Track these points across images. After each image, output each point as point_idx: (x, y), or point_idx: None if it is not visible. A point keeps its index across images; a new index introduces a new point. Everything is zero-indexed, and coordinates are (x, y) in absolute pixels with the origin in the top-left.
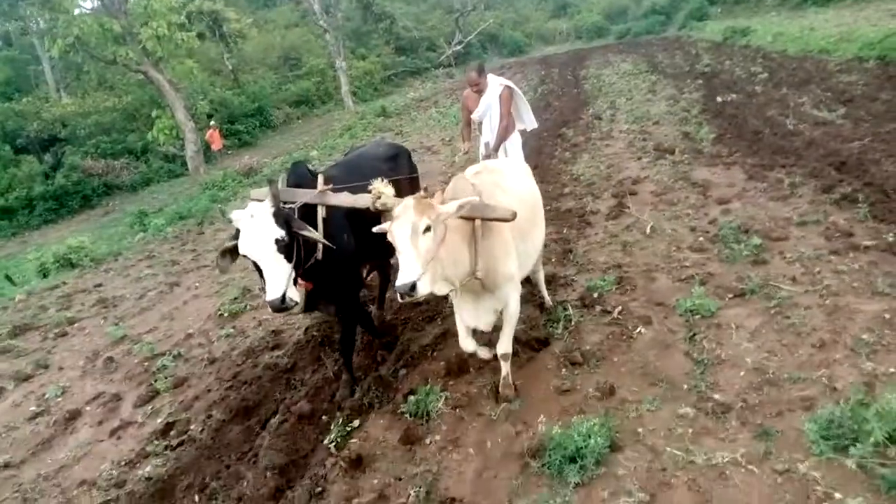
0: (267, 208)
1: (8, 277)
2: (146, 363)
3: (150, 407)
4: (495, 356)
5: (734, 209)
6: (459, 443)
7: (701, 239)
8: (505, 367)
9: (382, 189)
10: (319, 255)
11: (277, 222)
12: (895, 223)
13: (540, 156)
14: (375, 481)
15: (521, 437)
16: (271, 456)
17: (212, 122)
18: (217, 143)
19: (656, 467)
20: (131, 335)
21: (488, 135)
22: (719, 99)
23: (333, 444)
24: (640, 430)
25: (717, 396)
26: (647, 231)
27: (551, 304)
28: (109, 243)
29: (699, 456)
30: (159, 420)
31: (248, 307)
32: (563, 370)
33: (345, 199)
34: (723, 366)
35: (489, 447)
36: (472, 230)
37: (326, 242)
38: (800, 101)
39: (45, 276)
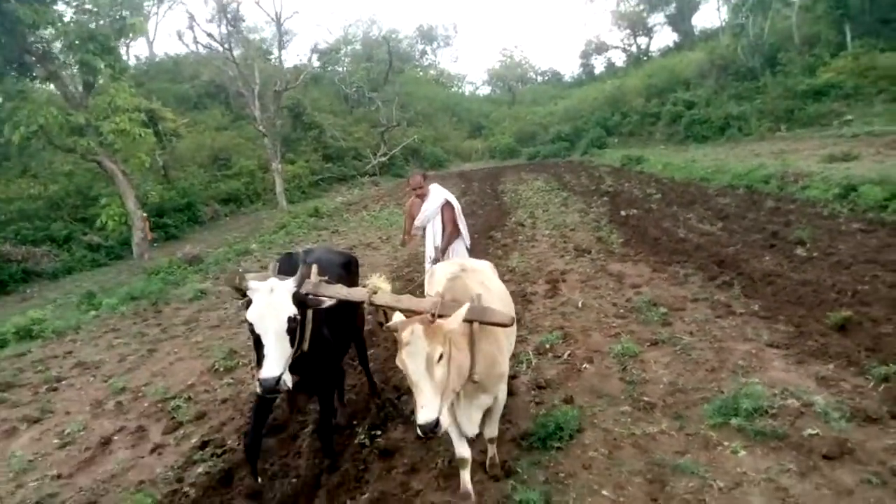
0: (289, 285)
1: None
2: (159, 404)
3: (179, 433)
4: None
5: (644, 291)
6: None
7: (622, 310)
8: (492, 449)
9: (381, 284)
10: (306, 346)
11: (294, 301)
12: (758, 299)
13: (474, 253)
14: (405, 460)
15: (511, 430)
16: (313, 446)
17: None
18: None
19: (610, 438)
20: (129, 388)
21: (431, 241)
22: (623, 212)
23: (364, 439)
24: (594, 420)
25: (645, 398)
26: (580, 305)
27: None
28: (62, 320)
29: (637, 430)
30: (193, 441)
31: (240, 363)
32: (532, 391)
33: (340, 291)
34: (647, 384)
35: None
36: (470, 333)
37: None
38: (687, 216)
39: (2, 346)
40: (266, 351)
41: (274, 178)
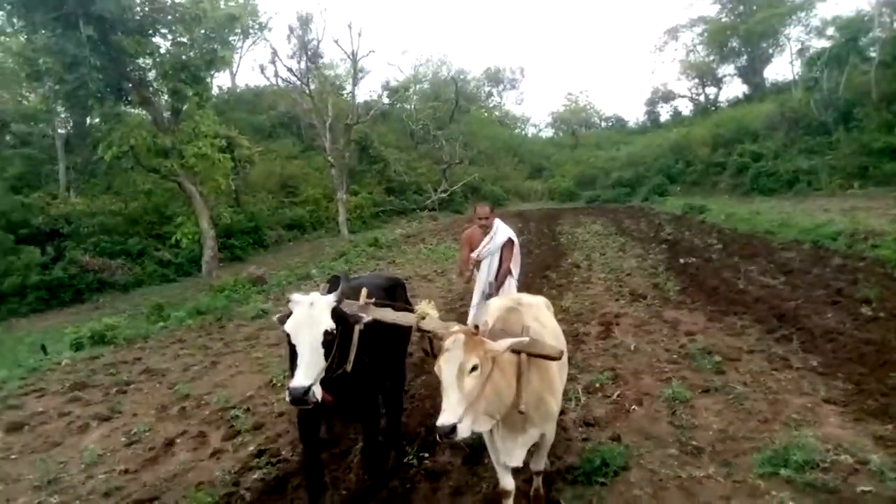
0: (329, 300)
1: (43, 347)
2: (220, 413)
3: (237, 440)
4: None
5: (698, 339)
6: None
7: (674, 356)
8: (537, 481)
9: (428, 310)
10: (349, 367)
11: (333, 316)
12: (817, 355)
13: (529, 290)
14: (451, 482)
15: (556, 463)
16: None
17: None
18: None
19: (655, 478)
20: (192, 395)
21: (485, 275)
22: (682, 260)
23: (413, 460)
24: (640, 461)
25: (693, 443)
26: (632, 348)
27: None
28: (133, 329)
29: (683, 472)
30: (250, 449)
31: None
32: (580, 428)
33: (388, 315)
34: (696, 429)
35: None
36: (517, 363)
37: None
38: (749, 268)
39: (78, 349)
40: (299, 361)
41: (338, 207)
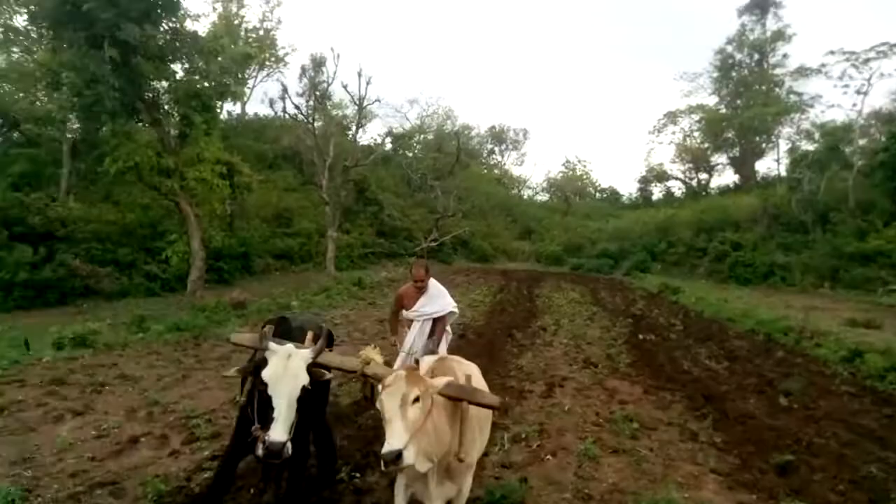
0: (306, 355)
1: (26, 343)
2: (183, 420)
3: (195, 445)
4: None
5: (628, 408)
6: None
7: (601, 420)
8: None
9: (373, 356)
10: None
11: (308, 371)
12: (724, 433)
13: (492, 347)
14: (374, 499)
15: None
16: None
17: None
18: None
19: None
20: (161, 402)
21: (414, 335)
22: (641, 336)
23: (344, 476)
24: (538, 499)
25: (587, 491)
26: (566, 409)
27: None
28: (113, 336)
29: None
30: (206, 453)
31: None
32: (496, 469)
33: (333, 359)
34: (594, 480)
35: None
36: (456, 411)
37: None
38: (699, 350)
39: (59, 348)
40: (276, 414)
41: (328, 243)
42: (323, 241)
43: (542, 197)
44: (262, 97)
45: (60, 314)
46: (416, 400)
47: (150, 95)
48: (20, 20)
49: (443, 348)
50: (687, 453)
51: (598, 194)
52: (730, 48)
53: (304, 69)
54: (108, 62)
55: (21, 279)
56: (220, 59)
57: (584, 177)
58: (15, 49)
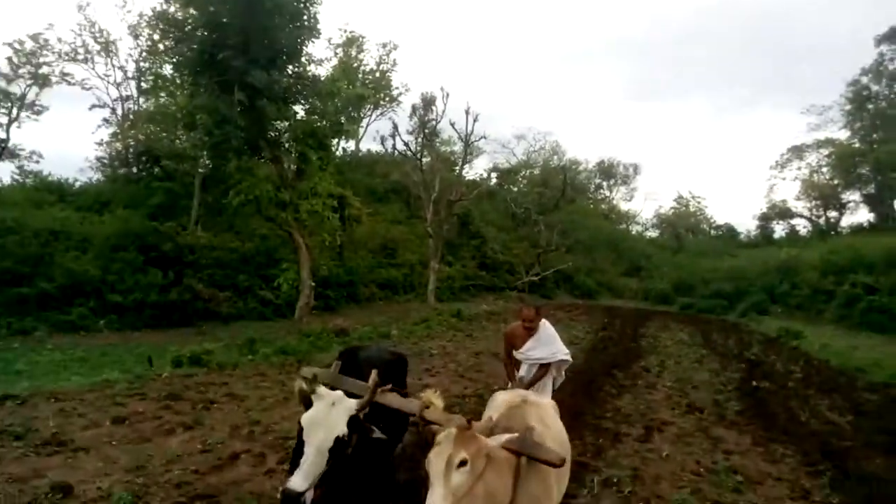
0: (350, 406)
1: (149, 359)
2: (281, 440)
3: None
4: None
5: (733, 459)
6: None
7: (701, 469)
8: None
9: (434, 399)
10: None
11: (349, 422)
12: (843, 493)
13: (591, 386)
14: None
15: None
16: None
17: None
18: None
19: None
20: (262, 422)
21: (523, 375)
22: (754, 383)
23: None
24: None
25: None
26: (664, 455)
27: None
28: (225, 357)
29: None
30: None
31: None
32: None
33: (393, 400)
34: None
35: None
36: (516, 465)
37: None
38: (820, 401)
39: (177, 366)
40: (302, 461)
41: (430, 275)
42: (426, 273)
43: (652, 233)
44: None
45: (182, 334)
46: (464, 463)
47: (272, 134)
48: (168, 69)
49: (547, 386)
50: None
51: (712, 231)
52: (865, 79)
53: (414, 108)
54: (237, 104)
55: (151, 300)
56: (336, 100)
57: (698, 213)
58: (162, 94)
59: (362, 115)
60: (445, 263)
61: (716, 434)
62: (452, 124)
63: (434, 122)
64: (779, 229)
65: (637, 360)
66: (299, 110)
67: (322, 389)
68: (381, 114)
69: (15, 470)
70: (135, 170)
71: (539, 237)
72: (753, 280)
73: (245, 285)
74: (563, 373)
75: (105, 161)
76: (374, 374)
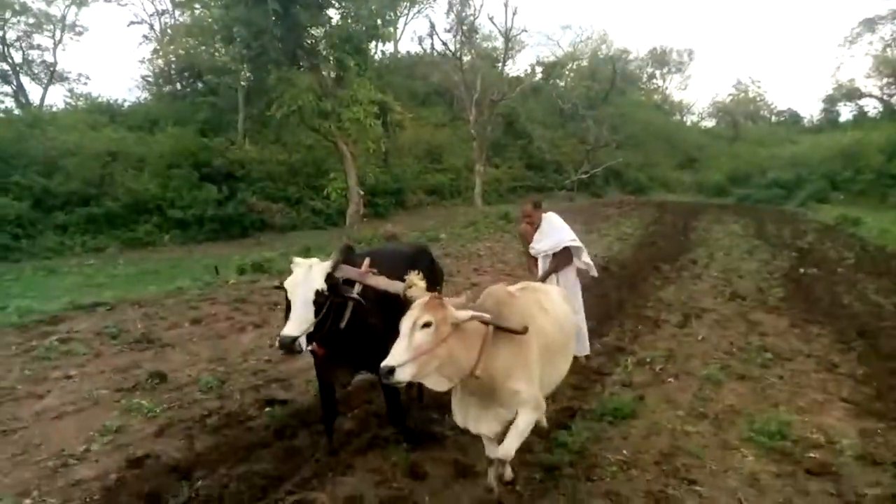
0: (325, 266)
1: (216, 268)
2: None
3: None
4: None
5: (767, 339)
6: None
7: (734, 349)
8: (500, 469)
9: (416, 281)
10: (343, 323)
11: (325, 279)
12: (867, 366)
13: (635, 279)
14: None
15: (584, 406)
16: None
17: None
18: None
19: (653, 426)
20: None
21: (542, 268)
22: (801, 270)
23: None
24: (651, 415)
25: (701, 410)
26: (700, 338)
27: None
28: (284, 263)
29: (678, 426)
30: None
31: None
32: (616, 387)
33: (380, 282)
34: (711, 402)
35: None
36: (483, 334)
37: (356, 297)
38: (867, 285)
39: (242, 273)
40: (291, 314)
41: (475, 178)
42: (472, 176)
43: (708, 123)
44: (412, 35)
45: (241, 245)
46: (427, 325)
47: (309, 42)
48: None
49: (570, 277)
50: (818, 383)
51: (773, 118)
52: None
53: (450, 4)
54: (272, 14)
55: (209, 215)
56: (370, 2)
57: (758, 99)
58: (196, 6)
59: (398, 15)
60: (492, 166)
61: (755, 318)
62: (491, 18)
63: (472, 18)
64: (846, 112)
65: (686, 254)
66: (334, 15)
67: (298, 259)
68: (418, 12)
69: (117, 362)
70: (179, 86)
71: (588, 133)
72: (814, 167)
73: (296, 197)
74: (590, 264)
75: (150, 80)
76: (366, 261)
